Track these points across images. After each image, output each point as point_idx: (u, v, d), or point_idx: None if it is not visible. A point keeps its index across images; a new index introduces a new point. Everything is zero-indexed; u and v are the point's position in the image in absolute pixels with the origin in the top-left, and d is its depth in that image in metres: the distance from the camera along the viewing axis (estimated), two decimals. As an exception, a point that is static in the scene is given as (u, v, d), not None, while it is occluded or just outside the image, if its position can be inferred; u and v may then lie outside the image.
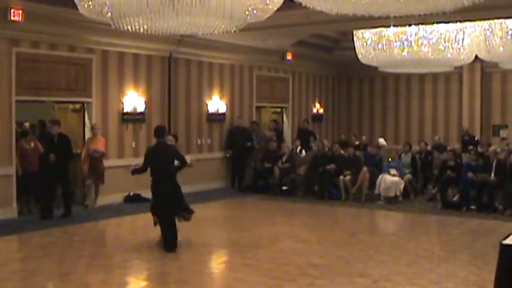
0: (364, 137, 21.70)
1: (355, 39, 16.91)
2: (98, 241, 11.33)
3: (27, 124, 15.24)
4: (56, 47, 14.45)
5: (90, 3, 9.32)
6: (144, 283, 9.07)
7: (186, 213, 11.18)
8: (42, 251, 10.70)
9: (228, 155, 19.19)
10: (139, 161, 16.16)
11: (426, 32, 15.50)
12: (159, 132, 11.20)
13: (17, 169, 13.62)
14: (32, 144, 13.97)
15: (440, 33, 15.54)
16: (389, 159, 16.96)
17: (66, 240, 11.56)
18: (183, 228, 13.18)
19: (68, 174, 14.02)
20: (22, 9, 13.04)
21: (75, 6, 9.83)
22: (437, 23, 14.82)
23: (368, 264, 9.71)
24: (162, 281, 8.97)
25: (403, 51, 15.69)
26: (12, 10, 12.91)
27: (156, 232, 11.33)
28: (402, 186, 16.30)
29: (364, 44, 16.48)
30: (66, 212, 13.72)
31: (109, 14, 9.42)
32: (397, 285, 8.53)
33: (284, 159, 18.16)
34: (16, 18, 13.00)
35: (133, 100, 16.28)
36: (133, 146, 16.32)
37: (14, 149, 13.63)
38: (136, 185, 15.85)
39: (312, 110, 23.79)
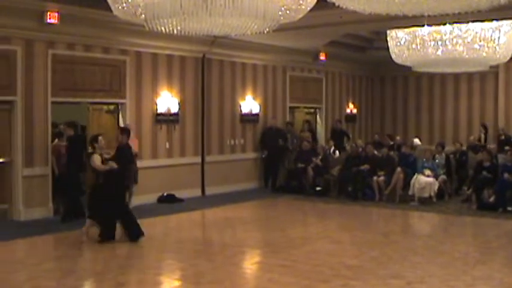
0: (398, 138, 21.56)
1: (388, 38, 16.80)
2: (131, 241, 11.38)
3: (62, 126, 15.38)
4: (90, 49, 14.61)
5: (124, 5, 9.40)
6: (177, 283, 9.11)
7: None
8: (77, 250, 10.82)
9: (263, 156, 19.20)
10: (173, 161, 16.35)
11: (461, 31, 15.32)
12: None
13: (53, 169, 13.78)
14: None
15: (476, 32, 15.34)
16: (424, 159, 16.84)
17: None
18: (217, 229, 13.28)
19: (69, 176, 13.45)
20: (58, 12, 13.22)
21: (109, 8, 9.93)
22: (473, 21, 14.66)
23: (402, 265, 9.64)
24: (196, 281, 8.99)
25: (437, 50, 15.54)
26: (48, 13, 13.11)
27: (187, 232, 11.40)
28: (436, 187, 16.15)
29: (398, 43, 16.37)
30: (63, 216, 13.40)
31: (143, 15, 9.49)
32: (432, 287, 8.46)
33: (319, 159, 18.14)
34: (52, 21, 13.19)
35: (167, 101, 16.37)
36: (167, 146, 16.41)
37: (50, 149, 13.79)
38: (170, 186, 15.97)
39: (345, 110, 23.70)
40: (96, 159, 11.22)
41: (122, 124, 15.22)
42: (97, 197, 11.27)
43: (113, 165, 11.15)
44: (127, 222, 11.30)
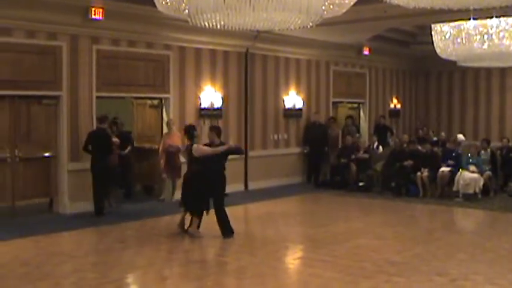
0: (443, 134, 21.33)
1: (433, 33, 16.60)
2: (175, 235, 11.47)
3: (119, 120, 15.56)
4: (134, 44, 14.74)
5: (168, 0, 9.46)
6: (220, 277, 9.15)
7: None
8: (121, 243, 10.93)
9: (305, 151, 19.17)
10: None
11: (507, 24, 15.06)
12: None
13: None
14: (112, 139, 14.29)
15: (523, 25, 15.09)
16: (469, 154, 16.61)
17: (145, 233, 11.78)
18: (260, 223, 13.28)
19: (100, 169, 13.35)
20: (102, 8, 13.39)
21: (153, 4, 10.00)
22: (520, 14, 14.41)
23: (446, 262, 9.54)
24: (238, 276, 9.02)
25: (483, 44, 15.29)
26: (93, 9, 13.30)
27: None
28: (482, 183, 15.92)
29: (443, 37, 16.15)
30: (95, 208, 13.41)
31: (186, 10, 9.53)
32: (477, 284, 8.35)
33: (361, 152, 18.11)
34: (97, 17, 13.37)
35: (210, 96, 16.43)
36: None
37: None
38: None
39: (389, 105, 23.51)
40: (203, 147, 11.29)
41: (165, 118, 15.39)
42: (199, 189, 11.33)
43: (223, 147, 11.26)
44: (223, 217, 11.41)
